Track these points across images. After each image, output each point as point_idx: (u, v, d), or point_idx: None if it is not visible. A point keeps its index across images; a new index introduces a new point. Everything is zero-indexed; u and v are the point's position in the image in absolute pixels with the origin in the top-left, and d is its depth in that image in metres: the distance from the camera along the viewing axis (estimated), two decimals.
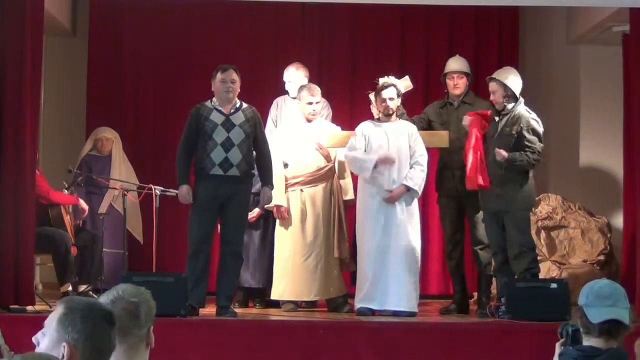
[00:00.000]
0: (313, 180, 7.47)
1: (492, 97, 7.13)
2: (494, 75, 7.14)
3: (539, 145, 6.94)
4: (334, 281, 7.43)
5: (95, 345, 2.43)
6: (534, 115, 7.04)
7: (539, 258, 7.91)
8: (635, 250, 7.26)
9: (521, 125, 6.94)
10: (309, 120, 7.52)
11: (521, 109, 7.04)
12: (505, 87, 7.03)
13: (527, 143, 6.92)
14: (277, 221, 7.49)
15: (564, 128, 9.15)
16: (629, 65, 7.60)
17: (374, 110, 7.49)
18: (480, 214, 7.35)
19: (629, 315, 3.33)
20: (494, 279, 7.54)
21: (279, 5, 8.73)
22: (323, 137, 7.50)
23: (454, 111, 7.64)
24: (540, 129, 6.99)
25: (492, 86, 7.10)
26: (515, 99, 7.05)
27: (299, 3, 8.88)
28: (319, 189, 7.46)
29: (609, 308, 3.28)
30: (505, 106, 7.05)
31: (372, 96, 7.47)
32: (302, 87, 7.56)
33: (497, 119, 7.09)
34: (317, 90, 7.51)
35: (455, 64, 7.72)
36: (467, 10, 9.13)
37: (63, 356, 2.41)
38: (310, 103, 7.45)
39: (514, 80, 7.07)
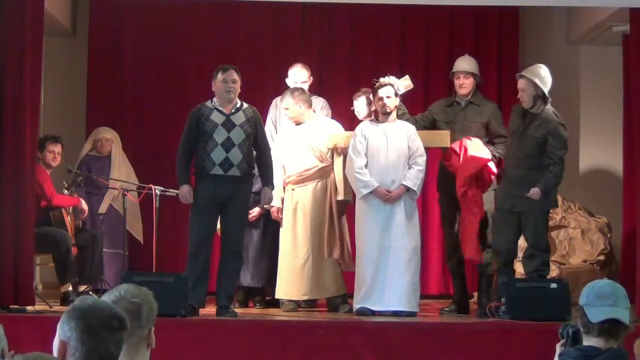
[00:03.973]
0: (302, 179, 7.48)
1: (519, 95, 6.99)
2: (524, 73, 7.02)
3: (561, 152, 6.87)
4: (327, 280, 7.43)
5: (87, 348, 2.40)
6: (561, 119, 6.96)
7: None
8: (634, 250, 7.25)
9: (548, 129, 6.86)
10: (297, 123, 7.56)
11: (549, 110, 6.93)
12: (536, 86, 6.92)
13: (550, 148, 6.85)
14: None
15: None
16: (629, 65, 7.59)
17: (361, 110, 7.50)
18: None
19: (629, 316, 3.33)
20: (494, 279, 7.54)
21: (279, 5, 8.73)
22: (319, 136, 7.51)
23: (461, 111, 7.60)
24: (565, 134, 6.92)
25: (521, 84, 6.95)
26: (544, 99, 6.96)
27: (299, 3, 8.88)
28: (308, 189, 7.47)
29: (609, 308, 3.27)
30: (533, 105, 6.96)
31: (354, 97, 7.51)
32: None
33: (522, 117, 6.99)
34: (285, 97, 7.51)
35: (462, 64, 7.67)
36: (467, 10, 9.12)
37: None
38: (285, 109, 7.52)
39: (545, 79, 6.94)
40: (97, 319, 2.43)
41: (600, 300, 3.28)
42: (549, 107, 6.97)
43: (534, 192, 6.84)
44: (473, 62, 7.70)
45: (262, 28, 9.25)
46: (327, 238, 7.38)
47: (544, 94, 6.94)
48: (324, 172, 7.52)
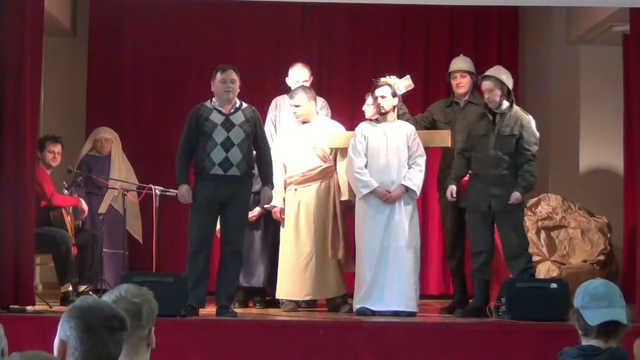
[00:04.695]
0: (306, 180, 7.48)
1: (486, 96, 7.05)
2: (489, 73, 7.08)
3: (534, 149, 6.97)
4: (329, 281, 7.42)
5: (86, 348, 2.40)
6: (530, 116, 7.07)
7: (538, 258, 7.95)
8: (635, 250, 7.26)
9: (522, 126, 6.95)
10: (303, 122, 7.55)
11: (517, 109, 7.06)
12: (502, 85, 7.00)
13: (525, 145, 6.93)
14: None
15: (564, 128, 9.14)
16: (629, 65, 7.60)
17: (367, 109, 7.51)
18: None
19: (626, 314, 3.31)
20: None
21: (279, 5, 8.72)
22: (322, 136, 7.50)
23: (460, 111, 7.62)
24: (536, 131, 7.04)
25: (488, 85, 7.01)
26: (508, 97, 7.03)
27: (299, 3, 8.88)
28: (312, 189, 7.47)
29: (605, 309, 3.25)
30: (500, 105, 7.02)
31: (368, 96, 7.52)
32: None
33: (490, 117, 7.05)
34: (297, 94, 7.49)
35: (458, 63, 7.71)
36: (467, 10, 9.13)
37: None
38: (293, 106, 7.49)
39: (508, 78, 7.05)
40: (97, 319, 2.43)
41: (596, 302, 3.26)
42: (515, 106, 7.04)
43: (516, 197, 6.89)
44: (468, 61, 7.72)
45: (262, 28, 9.25)
46: (331, 238, 7.38)
47: (509, 92, 7.01)
48: (327, 173, 7.51)
